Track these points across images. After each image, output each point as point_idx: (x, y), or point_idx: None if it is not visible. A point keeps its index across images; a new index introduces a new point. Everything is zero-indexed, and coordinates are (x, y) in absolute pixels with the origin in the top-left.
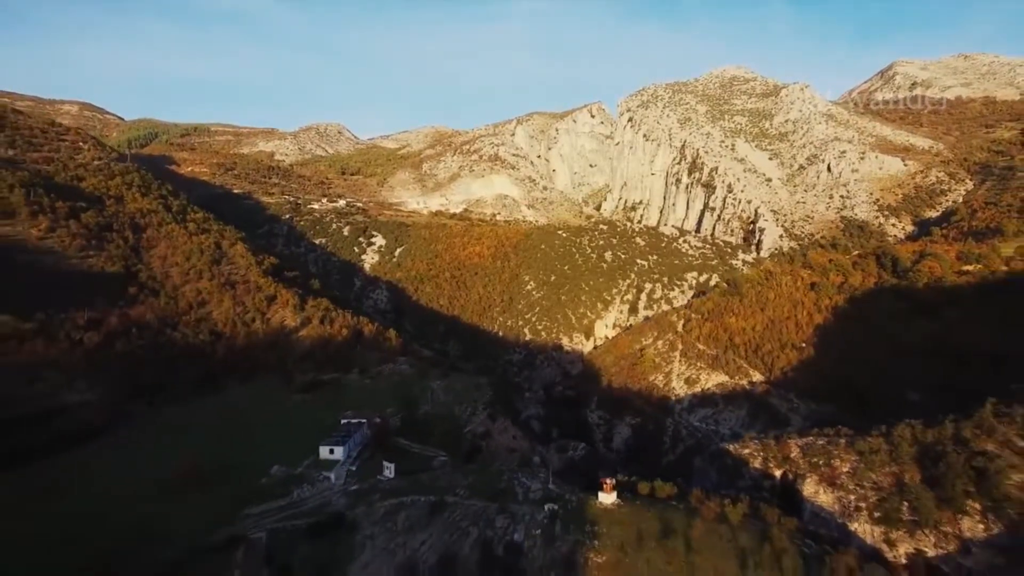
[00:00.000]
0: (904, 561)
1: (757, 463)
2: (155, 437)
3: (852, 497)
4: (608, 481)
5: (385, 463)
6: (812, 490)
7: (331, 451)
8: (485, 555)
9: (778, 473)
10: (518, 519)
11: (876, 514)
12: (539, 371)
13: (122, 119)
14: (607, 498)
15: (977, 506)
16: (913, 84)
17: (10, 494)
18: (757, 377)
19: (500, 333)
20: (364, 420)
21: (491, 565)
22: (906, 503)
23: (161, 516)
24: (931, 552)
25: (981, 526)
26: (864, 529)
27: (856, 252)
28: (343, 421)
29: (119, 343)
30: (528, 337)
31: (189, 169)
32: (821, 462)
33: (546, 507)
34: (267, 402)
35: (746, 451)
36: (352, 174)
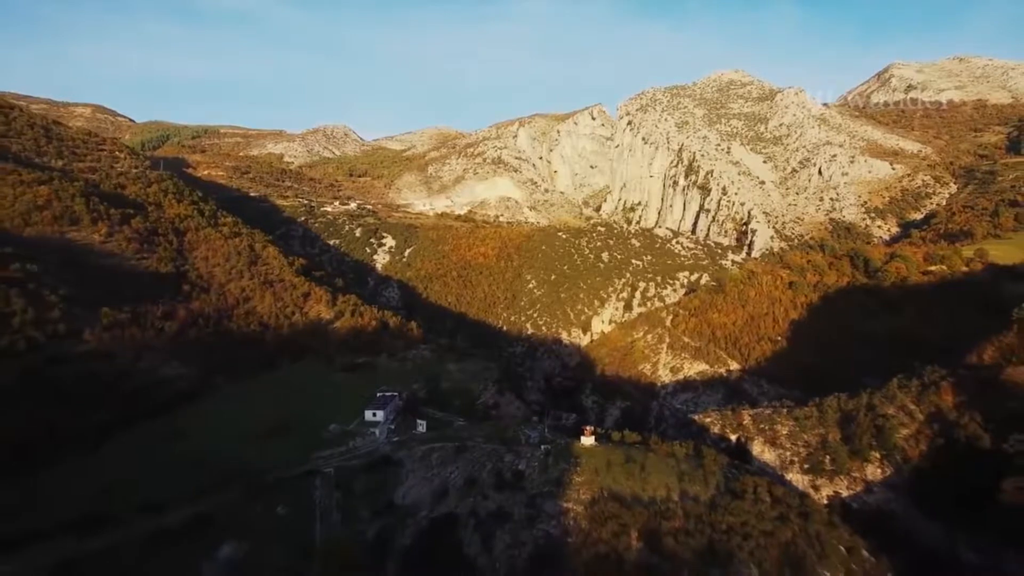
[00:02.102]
0: (826, 501)
1: (716, 429)
2: (236, 403)
3: (788, 453)
4: (588, 428)
5: (418, 420)
6: (759, 449)
7: (374, 414)
8: (498, 478)
9: (733, 437)
10: (522, 455)
11: (806, 466)
12: (540, 363)
13: (133, 121)
14: (587, 440)
15: (877, 455)
16: (908, 87)
17: (144, 440)
18: (734, 366)
19: (504, 328)
20: (396, 392)
21: (502, 485)
22: (828, 456)
23: (255, 456)
24: (845, 493)
25: (879, 471)
26: (796, 478)
27: (831, 253)
28: (379, 393)
29: (191, 331)
30: (530, 332)
31: (206, 172)
32: (766, 427)
33: (542, 447)
34: (315, 379)
35: (708, 420)
36: (360, 176)
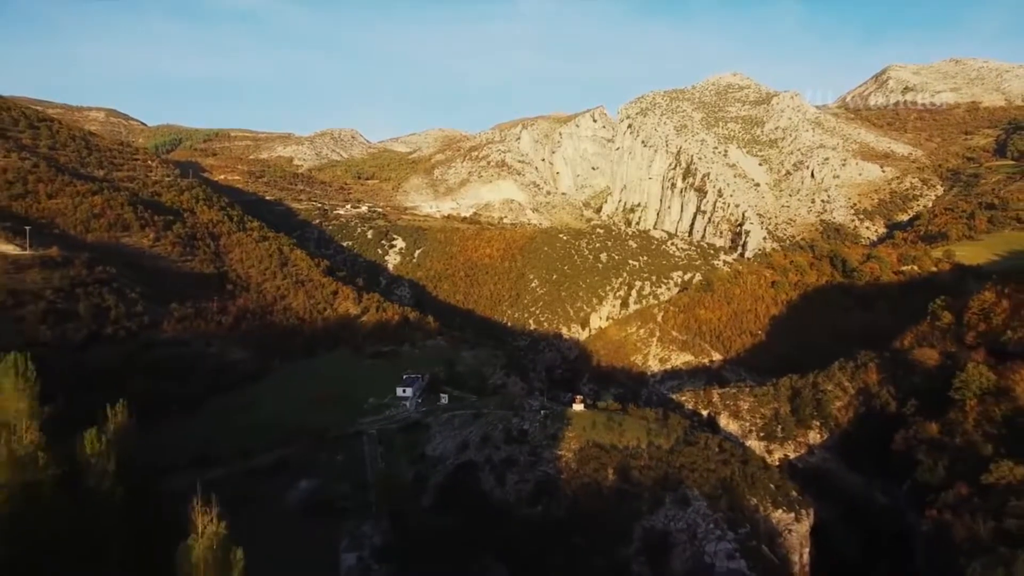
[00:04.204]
0: (777, 463)
1: (690, 405)
2: (290, 381)
3: (748, 424)
4: (578, 397)
5: (441, 394)
6: (725, 422)
7: (404, 390)
8: (507, 435)
9: (705, 412)
10: (526, 418)
11: (761, 434)
12: (542, 355)
13: (145, 125)
14: (577, 407)
15: (817, 424)
16: (905, 88)
17: (226, 408)
18: (717, 357)
19: (508, 324)
20: (419, 374)
21: (511, 440)
22: (780, 426)
23: (313, 420)
24: (792, 455)
25: (818, 436)
26: (755, 444)
27: (814, 254)
28: (405, 376)
29: (243, 323)
30: (532, 327)
31: (222, 176)
32: (731, 403)
33: (542, 412)
34: (350, 364)
35: (683, 398)
36: (368, 178)
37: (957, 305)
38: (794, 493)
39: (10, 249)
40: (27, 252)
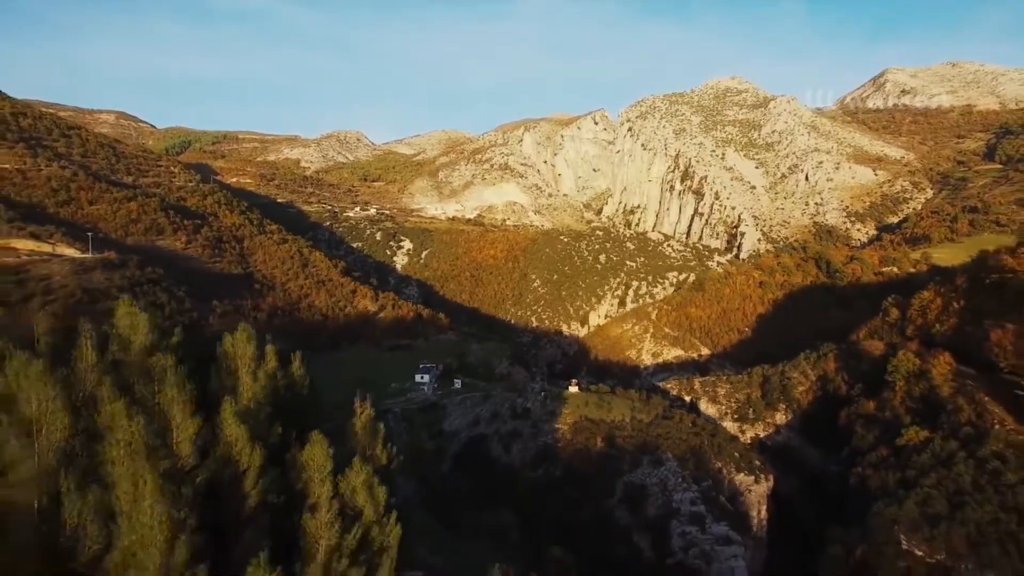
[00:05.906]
0: (748, 441)
1: (675, 392)
2: (320, 369)
3: (724, 407)
4: (574, 380)
5: (455, 379)
6: (705, 406)
7: (421, 377)
8: (513, 412)
9: (688, 398)
10: (528, 399)
11: (736, 416)
12: (543, 351)
13: (154, 127)
14: (573, 389)
15: (783, 406)
16: (902, 91)
17: None
18: (705, 352)
19: (512, 321)
20: (434, 364)
21: (516, 416)
22: (751, 409)
23: (344, 400)
24: (762, 434)
25: (784, 417)
26: (729, 425)
27: (801, 256)
28: (421, 365)
29: (275, 320)
30: (534, 324)
31: (234, 179)
32: (710, 389)
33: (542, 393)
34: (371, 355)
35: (669, 385)
36: (374, 180)
37: (907, 303)
38: (756, 461)
39: (73, 252)
40: (88, 255)
